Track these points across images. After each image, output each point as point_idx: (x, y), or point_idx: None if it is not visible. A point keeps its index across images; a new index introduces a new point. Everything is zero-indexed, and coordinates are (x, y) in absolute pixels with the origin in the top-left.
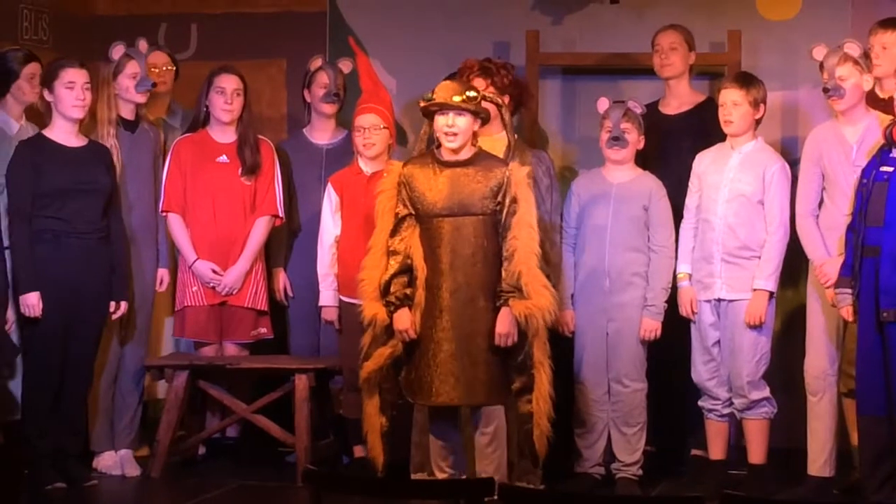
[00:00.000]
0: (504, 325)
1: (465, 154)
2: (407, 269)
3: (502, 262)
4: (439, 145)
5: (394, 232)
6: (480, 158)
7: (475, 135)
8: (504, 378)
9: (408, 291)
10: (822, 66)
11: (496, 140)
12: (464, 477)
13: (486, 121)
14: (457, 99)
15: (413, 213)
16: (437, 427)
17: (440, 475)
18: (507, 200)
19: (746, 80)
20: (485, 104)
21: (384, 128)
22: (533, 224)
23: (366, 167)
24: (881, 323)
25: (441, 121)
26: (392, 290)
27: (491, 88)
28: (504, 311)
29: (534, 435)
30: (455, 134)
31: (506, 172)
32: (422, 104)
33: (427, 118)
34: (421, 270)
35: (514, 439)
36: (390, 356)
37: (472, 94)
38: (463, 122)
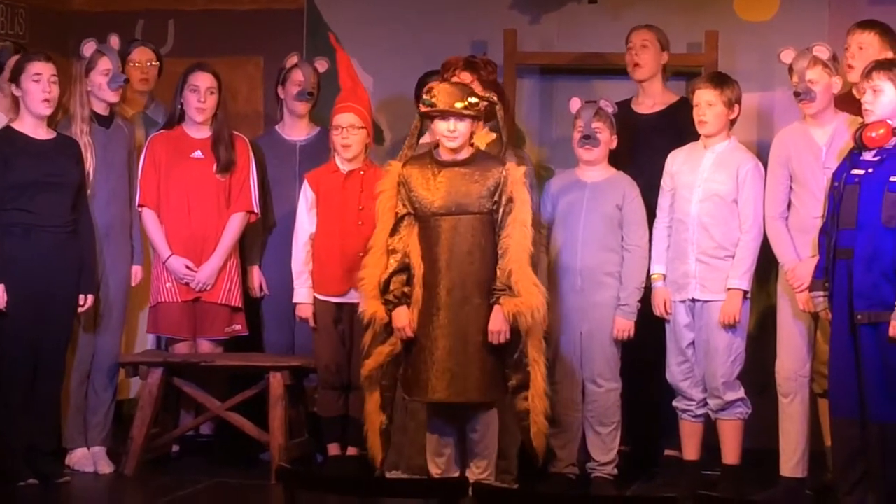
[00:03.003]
0: (496, 323)
1: (464, 154)
2: (406, 268)
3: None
4: (437, 144)
5: (393, 231)
6: (478, 158)
7: (471, 135)
8: (499, 376)
9: (406, 290)
10: (791, 69)
11: (480, 137)
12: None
13: (484, 121)
14: (459, 105)
15: (412, 212)
16: (435, 423)
17: (434, 471)
18: (504, 200)
19: (720, 80)
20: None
21: (361, 127)
22: (527, 223)
23: (342, 165)
24: (854, 325)
25: (442, 126)
26: (391, 288)
27: (477, 84)
28: (496, 308)
29: (531, 432)
30: (456, 137)
31: (503, 172)
32: (423, 109)
33: (423, 118)
34: (418, 268)
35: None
36: (390, 354)
37: (473, 99)
38: (463, 127)
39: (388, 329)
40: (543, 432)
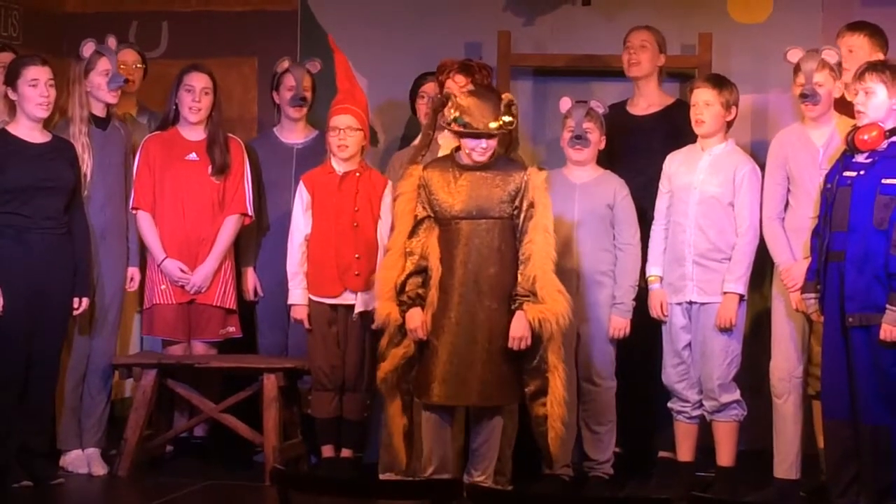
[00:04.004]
0: (518, 329)
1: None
2: (422, 270)
3: (518, 266)
4: (457, 147)
5: (411, 233)
6: (499, 163)
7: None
8: (512, 380)
9: (421, 291)
10: (797, 68)
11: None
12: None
13: None
14: (494, 126)
15: (432, 215)
16: (435, 424)
17: (429, 471)
18: (525, 205)
19: (719, 81)
20: None
21: (358, 129)
22: (549, 229)
23: (338, 167)
24: (846, 328)
25: (472, 143)
26: (406, 289)
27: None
28: (519, 314)
29: (548, 437)
30: (486, 152)
31: (524, 177)
32: (455, 128)
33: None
34: (436, 271)
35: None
36: (404, 356)
37: (507, 119)
38: (494, 142)
39: (403, 331)
40: (560, 437)
